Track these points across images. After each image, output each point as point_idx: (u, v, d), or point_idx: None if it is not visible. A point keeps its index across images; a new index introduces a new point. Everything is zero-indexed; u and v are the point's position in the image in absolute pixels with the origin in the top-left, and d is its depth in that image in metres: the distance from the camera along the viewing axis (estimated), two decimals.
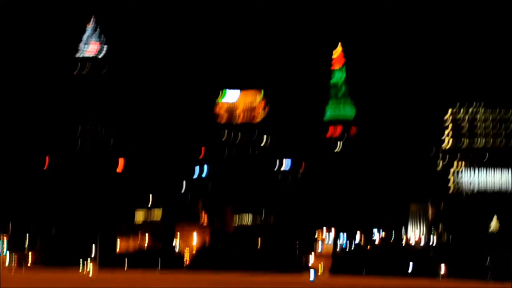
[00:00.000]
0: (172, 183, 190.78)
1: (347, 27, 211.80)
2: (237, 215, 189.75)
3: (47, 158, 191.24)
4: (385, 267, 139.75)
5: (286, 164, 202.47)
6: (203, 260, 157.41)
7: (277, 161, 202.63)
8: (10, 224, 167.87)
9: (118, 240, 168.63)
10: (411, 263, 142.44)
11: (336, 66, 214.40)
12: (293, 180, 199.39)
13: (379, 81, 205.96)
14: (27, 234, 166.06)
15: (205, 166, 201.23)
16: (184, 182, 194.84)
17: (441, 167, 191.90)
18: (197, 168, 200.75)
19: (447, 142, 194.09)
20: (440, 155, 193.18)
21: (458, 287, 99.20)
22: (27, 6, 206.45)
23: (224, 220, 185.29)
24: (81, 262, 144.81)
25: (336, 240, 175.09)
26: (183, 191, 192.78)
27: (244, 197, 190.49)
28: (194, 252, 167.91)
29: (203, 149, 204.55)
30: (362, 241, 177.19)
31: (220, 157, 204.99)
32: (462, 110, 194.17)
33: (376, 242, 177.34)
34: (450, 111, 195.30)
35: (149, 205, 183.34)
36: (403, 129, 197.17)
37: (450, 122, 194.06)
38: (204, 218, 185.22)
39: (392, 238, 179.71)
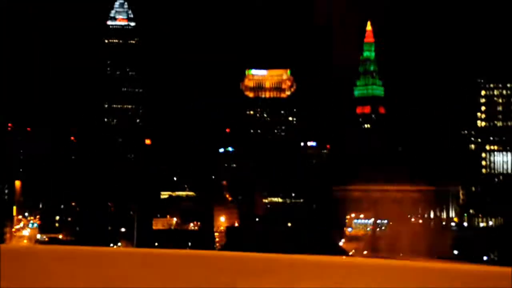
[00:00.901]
0: (200, 164, 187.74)
1: (377, 6, 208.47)
2: (266, 196, 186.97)
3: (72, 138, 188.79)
4: (425, 249, 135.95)
5: (313, 143, 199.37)
6: (233, 241, 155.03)
7: (303, 140, 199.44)
8: (40, 206, 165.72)
9: (152, 220, 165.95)
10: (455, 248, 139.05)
11: (369, 39, 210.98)
12: (320, 160, 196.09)
13: (409, 60, 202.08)
14: (58, 216, 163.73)
15: (230, 146, 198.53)
16: (211, 163, 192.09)
17: (474, 148, 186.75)
18: (222, 148, 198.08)
19: (481, 122, 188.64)
20: (474, 135, 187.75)
21: (456, 268, 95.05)
22: None
23: (252, 201, 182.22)
24: (112, 242, 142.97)
25: (370, 223, 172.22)
26: (210, 172, 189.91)
27: (272, 178, 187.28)
28: (224, 233, 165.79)
29: (227, 130, 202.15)
30: (394, 223, 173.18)
31: (247, 137, 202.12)
32: (496, 89, 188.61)
33: (412, 224, 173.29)
34: (484, 90, 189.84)
35: (178, 186, 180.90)
36: (434, 108, 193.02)
37: (484, 101, 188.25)
38: (232, 199, 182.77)
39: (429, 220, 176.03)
